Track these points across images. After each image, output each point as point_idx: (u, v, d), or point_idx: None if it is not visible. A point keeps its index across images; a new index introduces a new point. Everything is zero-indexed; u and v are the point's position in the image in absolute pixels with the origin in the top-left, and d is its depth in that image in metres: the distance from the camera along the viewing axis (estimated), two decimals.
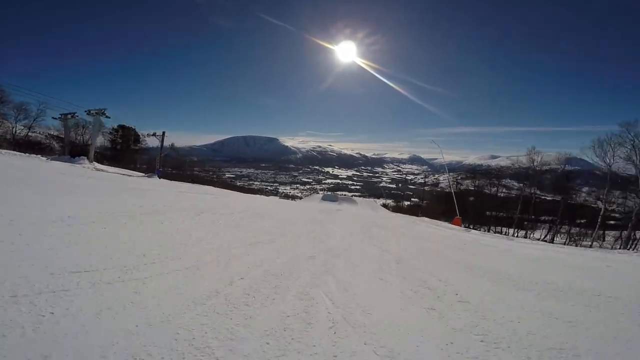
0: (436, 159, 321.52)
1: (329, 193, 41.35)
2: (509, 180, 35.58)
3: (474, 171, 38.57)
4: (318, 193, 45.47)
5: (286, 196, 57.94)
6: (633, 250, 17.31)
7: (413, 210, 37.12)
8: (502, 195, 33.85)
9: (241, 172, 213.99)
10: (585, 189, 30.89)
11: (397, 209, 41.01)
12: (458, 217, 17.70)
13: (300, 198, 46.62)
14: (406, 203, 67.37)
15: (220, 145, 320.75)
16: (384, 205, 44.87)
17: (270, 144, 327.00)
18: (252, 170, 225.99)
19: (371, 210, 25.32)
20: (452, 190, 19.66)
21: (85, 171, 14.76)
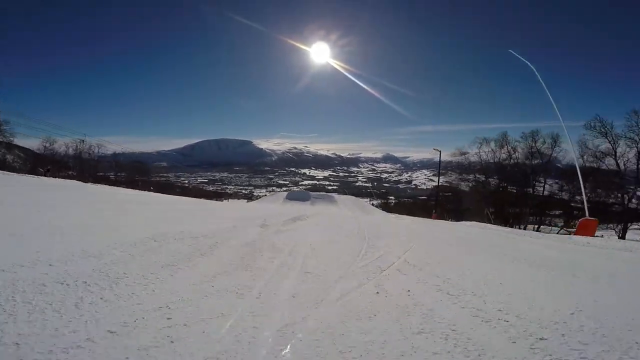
0: (408, 157, 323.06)
1: (297, 190, 33.97)
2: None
3: (445, 168, 34.49)
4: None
5: (256, 197, 49.95)
6: None
7: (407, 208, 30.94)
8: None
9: (214, 176, 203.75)
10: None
11: (386, 207, 34.56)
12: (590, 217, 10.21)
13: (256, 198, 38.50)
14: (387, 201, 62.32)
15: (190, 150, 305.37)
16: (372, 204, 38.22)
17: (244, 146, 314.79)
18: (225, 174, 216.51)
19: (361, 211, 18.53)
20: (582, 186, 11.96)
21: None
